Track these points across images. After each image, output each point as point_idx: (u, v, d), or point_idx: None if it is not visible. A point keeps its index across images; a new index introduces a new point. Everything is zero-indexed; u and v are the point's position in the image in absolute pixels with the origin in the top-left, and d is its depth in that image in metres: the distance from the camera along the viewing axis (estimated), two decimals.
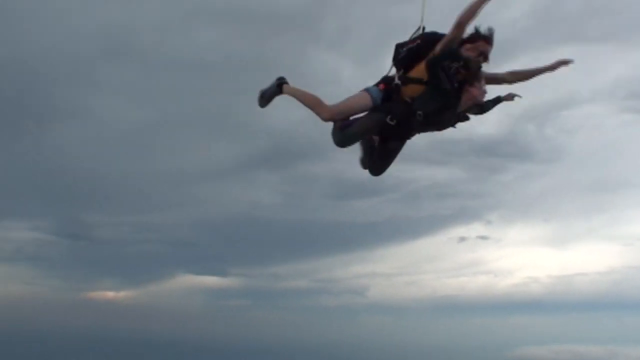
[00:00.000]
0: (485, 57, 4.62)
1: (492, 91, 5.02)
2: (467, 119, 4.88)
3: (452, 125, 4.81)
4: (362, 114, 4.80)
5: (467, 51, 4.59)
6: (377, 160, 5.02)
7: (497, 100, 5.05)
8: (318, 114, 4.75)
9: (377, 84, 4.79)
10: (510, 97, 5.10)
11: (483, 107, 5.00)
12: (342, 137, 4.87)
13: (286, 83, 4.98)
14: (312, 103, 4.78)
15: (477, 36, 4.60)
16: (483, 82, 4.69)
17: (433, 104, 4.60)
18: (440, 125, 4.80)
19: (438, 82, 4.50)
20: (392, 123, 4.67)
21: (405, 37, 4.84)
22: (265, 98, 4.96)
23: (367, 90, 4.79)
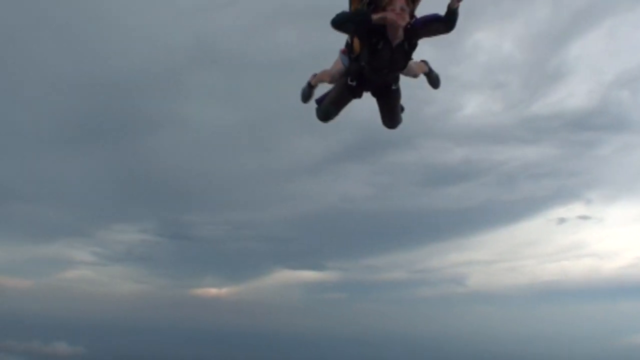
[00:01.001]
0: None
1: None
2: (411, 48, 4.69)
3: (402, 60, 4.75)
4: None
5: None
6: (384, 118, 5.25)
7: (453, 11, 4.54)
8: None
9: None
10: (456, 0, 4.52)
11: (446, 19, 4.62)
12: (320, 112, 5.27)
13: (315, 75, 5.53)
14: (323, 79, 5.31)
15: None
16: (399, 2, 4.45)
17: (365, 49, 4.66)
18: (390, 66, 4.75)
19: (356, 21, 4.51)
20: (353, 84, 4.95)
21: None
22: (305, 95, 5.48)
23: (340, 56, 5.17)
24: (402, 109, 5.45)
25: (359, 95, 5.06)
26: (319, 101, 5.33)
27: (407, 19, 4.53)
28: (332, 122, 5.28)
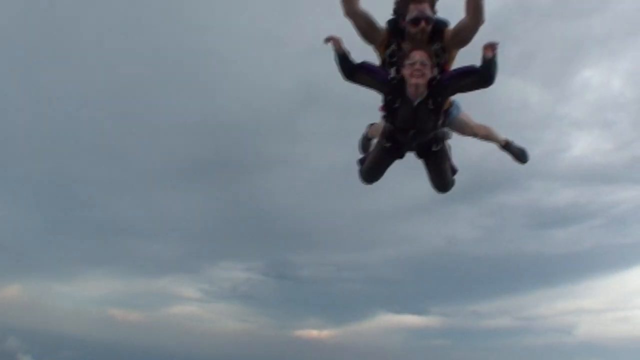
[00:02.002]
0: (416, 22, 4.00)
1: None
2: (437, 106, 4.08)
3: (430, 120, 4.15)
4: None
5: (406, 24, 4.05)
6: (431, 180, 4.81)
7: (487, 62, 3.80)
8: None
9: None
10: (489, 48, 3.76)
11: (482, 75, 3.89)
12: (362, 174, 4.88)
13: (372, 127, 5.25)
14: (375, 134, 4.93)
15: (403, 3, 4.05)
16: (417, 56, 3.90)
17: (389, 112, 4.23)
18: (415, 126, 4.20)
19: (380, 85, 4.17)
20: (387, 145, 4.52)
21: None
22: (362, 146, 5.32)
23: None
24: (455, 171, 4.84)
25: (400, 156, 4.60)
26: (361, 162, 4.91)
27: (429, 74, 3.97)
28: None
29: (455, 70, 4.14)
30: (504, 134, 5.01)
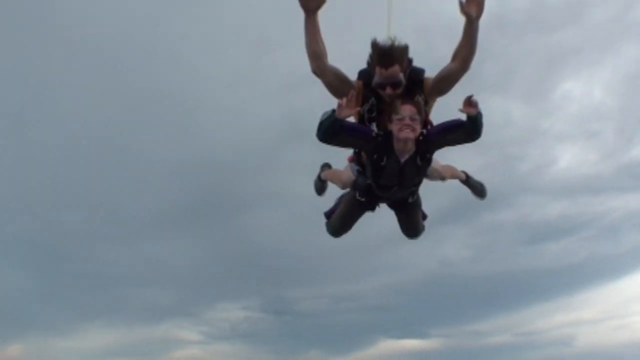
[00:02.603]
0: (394, 85, 3.62)
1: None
2: (425, 163, 3.86)
3: (415, 177, 3.98)
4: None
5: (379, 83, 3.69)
6: (402, 229, 4.63)
7: (470, 119, 3.58)
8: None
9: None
10: (468, 104, 3.52)
11: (468, 128, 3.65)
12: (329, 228, 4.62)
13: (327, 168, 5.03)
14: (334, 180, 4.75)
15: (372, 62, 3.67)
16: (406, 110, 3.59)
17: (368, 164, 3.90)
18: (400, 184, 3.97)
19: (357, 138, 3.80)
20: (362, 199, 4.25)
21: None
22: (317, 188, 5.11)
23: (349, 163, 4.41)
24: (425, 217, 4.74)
25: (372, 209, 4.37)
26: (327, 214, 4.66)
27: (418, 129, 3.68)
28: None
29: (442, 124, 3.86)
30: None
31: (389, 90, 3.63)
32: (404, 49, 3.61)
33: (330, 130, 3.57)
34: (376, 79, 3.63)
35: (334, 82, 3.66)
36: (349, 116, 3.52)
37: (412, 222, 4.59)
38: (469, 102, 3.50)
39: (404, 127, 3.59)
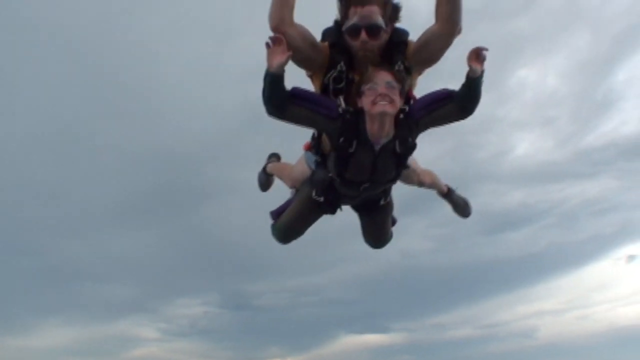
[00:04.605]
0: (370, 29, 2.82)
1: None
2: (406, 150, 3.03)
3: (392, 170, 3.12)
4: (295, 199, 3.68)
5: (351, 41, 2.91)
6: (366, 236, 3.83)
7: (471, 81, 2.85)
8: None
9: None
10: (475, 58, 2.82)
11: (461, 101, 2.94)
12: (276, 232, 3.66)
13: (275, 159, 4.37)
14: (281, 175, 4.08)
15: (342, 4, 2.91)
16: (380, 76, 2.80)
17: (333, 153, 3.03)
18: (372, 179, 3.12)
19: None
20: (319, 199, 3.37)
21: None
22: (262, 183, 4.43)
23: (304, 153, 3.60)
24: (394, 222, 3.93)
25: (332, 212, 3.48)
26: (274, 215, 3.71)
27: (398, 101, 2.82)
28: None
29: (426, 97, 3.03)
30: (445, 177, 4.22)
31: (363, 36, 2.84)
32: None
33: (275, 95, 2.79)
34: (347, 23, 2.87)
35: (300, 44, 2.87)
36: (283, 65, 2.74)
37: (379, 230, 3.81)
38: (477, 55, 2.80)
39: (378, 98, 2.76)
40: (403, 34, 3.02)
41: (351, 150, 2.93)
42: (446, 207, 4.44)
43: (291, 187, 3.86)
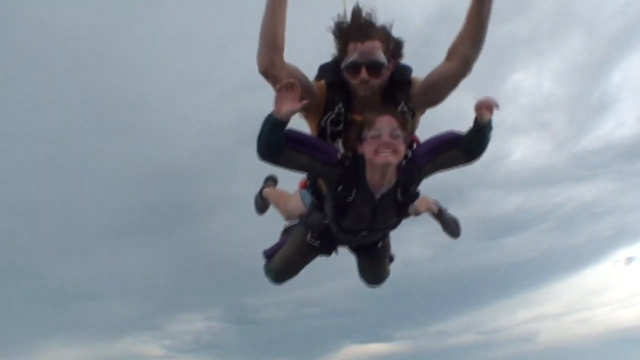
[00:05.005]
0: (371, 66, 2.61)
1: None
2: (407, 199, 2.87)
3: (393, 217, 2.98)
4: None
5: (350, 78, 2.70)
6: (363, 275, 3.72)
7: (480, 127, 2.68)
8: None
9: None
10: (484, 109, 2.64)
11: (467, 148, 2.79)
12: (269, 272, 3.51)
13: (272, 183, 4.22)
14: (277, 204, 3.94)
15: (340, 39, 2.69)
16: (384, 123, 2.59)
17: (331, 201, 2.85)
18: (371, 227, 2.97)
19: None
20: (315, 244, 3.24)
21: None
22: (258, 207, 4.31)
23: (299, 190, 3.42)
24: (392, 259, 3.77)
25: (328, 253, 3.36)
26: (268, 254, 3.54)
27: (402, 150, 2.64)
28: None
29: (431, 141, 2.87)
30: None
31: (364, 75, 2.62)
32: (387, 24, 2.72)
33: (273, 141, 2.57)
34: (346, 60, 2.65)
35: None
36: (292, 113, 2.54)
37: (376, 270, 3.71)
38: (488, 104, 2.63)
39: (381, 147, 2.58)
40: (406, 71, 2.83)
41: (350, 199, 2.77)
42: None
43: (286, 219, 3.76)
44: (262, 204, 4.25)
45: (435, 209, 4.02)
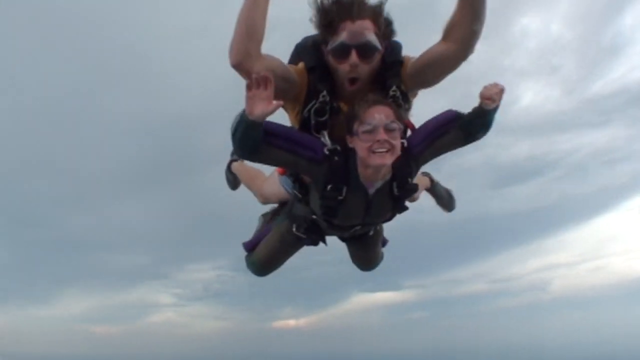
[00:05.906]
0: (362, 50, 2.32)
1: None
2: (404, 193, 2.60)
3: (387, 212, 2.73)
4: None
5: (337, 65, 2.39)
6: (355, 261, 3.52)
7: (480, 112, 2.47)
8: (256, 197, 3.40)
9: None
10: (493, 97, 2.42)
11: (466, 134, 2.57)
12: (251, 265, 3.31)
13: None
14: (250, 184, 3.56)
15: (324, 16, 2.35)
16: (377, 117, 2.31)
17: (319, 200, 2.58)
18: (363, 221, 2.75)
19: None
20: (302, 235, 2.95)
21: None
22: (229, 182, 3.82)
23: (277, 176, 3.11)
24: (385, 243, 3.52)
25: (314, 243, 3.05)
26: (248, 247, 3.32)
27: (398, 147, 2.37)
28: None
29: (428, 125, 2.60)
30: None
31: (354, 58, 2.32)
32: (380, 1, 2.38)
33: (249, 141, 2.31)
34: (333, 41, 2.33)
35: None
36: (266, 115, 2.23)
37: (368, 255, 3.49)
38: (494, 90, 2.42)
39: (375, 145, 2.33)
40: (397, 49, 2.52)
41: (340, 197, 2.50)
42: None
43: (262, 202, 3.45)
44: (233, 180, 3.77)
45: (428, 182, 3.71)
